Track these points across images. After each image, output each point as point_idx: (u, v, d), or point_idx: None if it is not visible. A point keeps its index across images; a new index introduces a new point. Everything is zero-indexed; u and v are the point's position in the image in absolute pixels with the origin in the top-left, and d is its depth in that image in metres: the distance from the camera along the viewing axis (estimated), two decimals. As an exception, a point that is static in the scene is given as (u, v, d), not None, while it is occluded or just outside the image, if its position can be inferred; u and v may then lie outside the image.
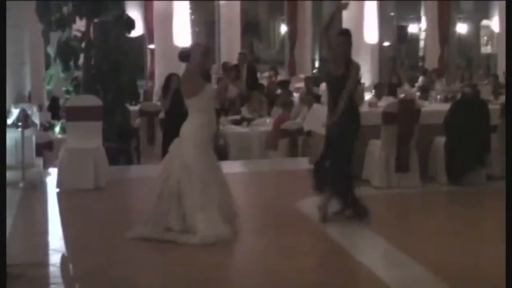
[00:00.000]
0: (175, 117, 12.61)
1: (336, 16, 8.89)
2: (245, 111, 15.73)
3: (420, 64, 26.81)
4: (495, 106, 11.43)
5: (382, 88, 15.89)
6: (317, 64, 26.95)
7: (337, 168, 8.50)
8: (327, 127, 8.62)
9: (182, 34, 20.81)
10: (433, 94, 17.54)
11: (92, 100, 11.34)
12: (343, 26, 23.05)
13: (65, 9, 13.49)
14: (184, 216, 7.75)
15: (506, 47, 7.75)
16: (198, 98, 7.99)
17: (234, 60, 20.48)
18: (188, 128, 8.01)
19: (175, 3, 20.74)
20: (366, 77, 21.96)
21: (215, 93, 8.46)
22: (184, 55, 8.21)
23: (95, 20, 13.69)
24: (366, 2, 23.07)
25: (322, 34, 9.51)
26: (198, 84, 8.02)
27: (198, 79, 8.05)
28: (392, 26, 26.81)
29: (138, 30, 18.42)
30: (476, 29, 26.12)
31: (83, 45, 13.73)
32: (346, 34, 8.64)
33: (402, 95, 15.80)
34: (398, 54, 26.88)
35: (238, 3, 24.08)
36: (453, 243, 7.92)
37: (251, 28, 28.41)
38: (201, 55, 8.12)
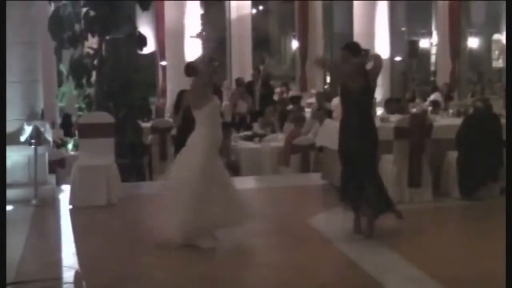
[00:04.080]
0: (187, 133, 12.65)
1: None
2: (256, 127, 15.75)
3: (432, 78, 26.79)
4: (508, 120, 11.40)
5: (393, 103, 15.86)
6: (328, 79, 26.96)
7: (370, 183, 8.50)
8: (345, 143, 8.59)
9: (194, 51, 20.89)
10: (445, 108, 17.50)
11: (104, 117, 11.38)
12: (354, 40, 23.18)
13: (77, 27, 13.57)
14: None
15: (506, 48, 7.73)
16: (203, 111, 8.09)
17: (245, 76, 20.53)
18: (193, 139, 8.18)
19: (186, 20, 20.83)
20: (378, 92, 21.87)
21: (220, 107, 8.62)
22: (189, 68, 8.28)
23: (107, 38, 13.75)
24: (377, 17, 23.10)
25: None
26: (204, 97, 8.11)
27: (204, 92, 8.13)
28: (403, 41, 26.83)
29: (150, 47, 18.53)
30: (488, 43, 26.10)
31: (95, 62, 13.79)
32: (346, 48, 8.61)
33: (414, 110, 15.78)
34: (410, 69, 26.87)
35: (249, 19, 24.18)
36: (467, 258, 7.89)
37: (262, 44, 28.49)
38: (205, 66, 8.21)
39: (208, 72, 8.29)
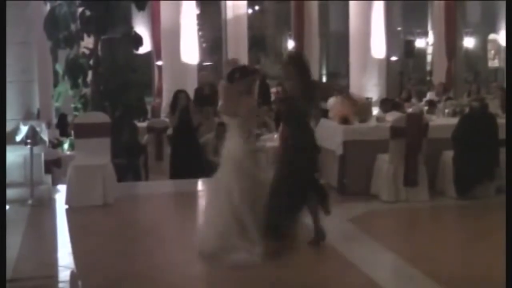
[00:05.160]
0: (183, 133, 12.68)
1: None
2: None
3: (428, 78, 26.80)
4: (503, 119, 11.40)
5: (388, 103, 15.84)
6: (324, 79, 26.97)
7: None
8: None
9: (190, 51, 20.88)
10: (441, 108, 17.49)
11: (100, 117, 11.37)
12: (350, 40, 23.22)
13: (73, 27, 13.55)
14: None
15: (506, 48, 7.73)
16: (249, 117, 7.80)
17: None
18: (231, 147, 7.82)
19: (182, 19, 20.80)
20: (374, 92, 21.98)
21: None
22: (234, 75, 7.89)
23: (103, 37, 13.75)
24: (373, 17, 23.08)
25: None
26: (240, 104, 7.81)
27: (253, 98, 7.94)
28: (399, 41, 26.81)
29: (145, 47, 18.51)
30: (483, 43, 26.10)
31: (91, 62, 13.78)
32: (287, 57, 8.57)
33: (410, 110, 15.75)
34: (406, 69, 26.85)
35: (245, 19, 24.15)
36: (462, 256, 7.90)
37: (258, 44, 28.47)
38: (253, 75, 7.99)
39: (250, 81, 7.98)
